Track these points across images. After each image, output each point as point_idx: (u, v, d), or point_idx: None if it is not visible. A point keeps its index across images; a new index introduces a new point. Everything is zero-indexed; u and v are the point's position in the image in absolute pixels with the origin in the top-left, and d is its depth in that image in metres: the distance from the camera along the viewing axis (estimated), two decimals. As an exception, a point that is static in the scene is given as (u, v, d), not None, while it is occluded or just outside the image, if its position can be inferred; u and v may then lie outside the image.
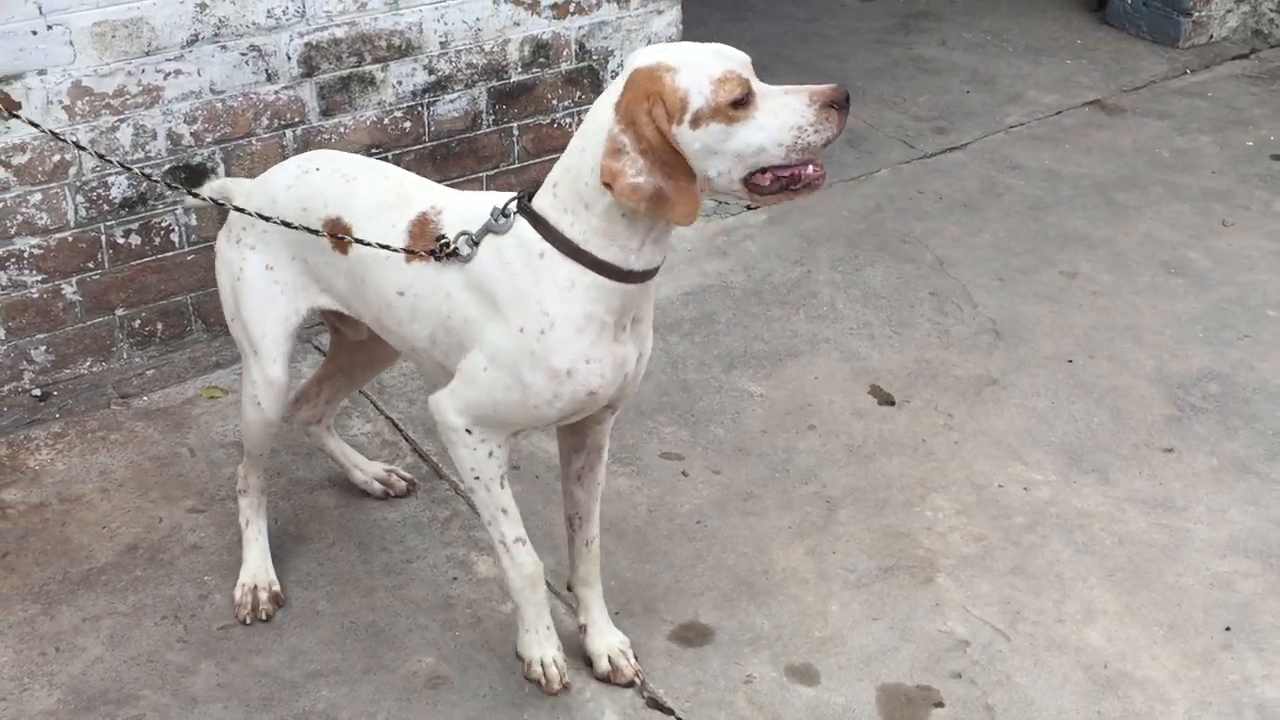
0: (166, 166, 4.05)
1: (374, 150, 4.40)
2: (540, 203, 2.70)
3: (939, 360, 4.33)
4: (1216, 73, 6.49)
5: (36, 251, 3.93)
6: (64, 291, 4.02)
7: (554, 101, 4.75)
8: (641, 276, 2.68)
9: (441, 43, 4.42)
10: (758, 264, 4.86)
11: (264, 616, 3.28)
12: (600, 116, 2.59)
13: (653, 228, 2.63)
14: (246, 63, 4.07)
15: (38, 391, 4.05)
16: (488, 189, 4.71)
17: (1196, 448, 3.94)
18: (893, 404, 4.12)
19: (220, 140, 4.11)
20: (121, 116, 3.92)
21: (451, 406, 2.83)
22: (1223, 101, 6.18)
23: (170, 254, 4.15)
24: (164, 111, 3.98)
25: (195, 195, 3.14)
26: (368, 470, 3.68)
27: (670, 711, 3.07)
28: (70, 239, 3.97)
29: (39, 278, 3.96)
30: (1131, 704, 3.10)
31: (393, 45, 4.33)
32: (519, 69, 4.62)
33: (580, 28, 4.71)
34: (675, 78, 2.52)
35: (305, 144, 4.25)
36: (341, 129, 4.32)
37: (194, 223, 4.15)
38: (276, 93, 4.16)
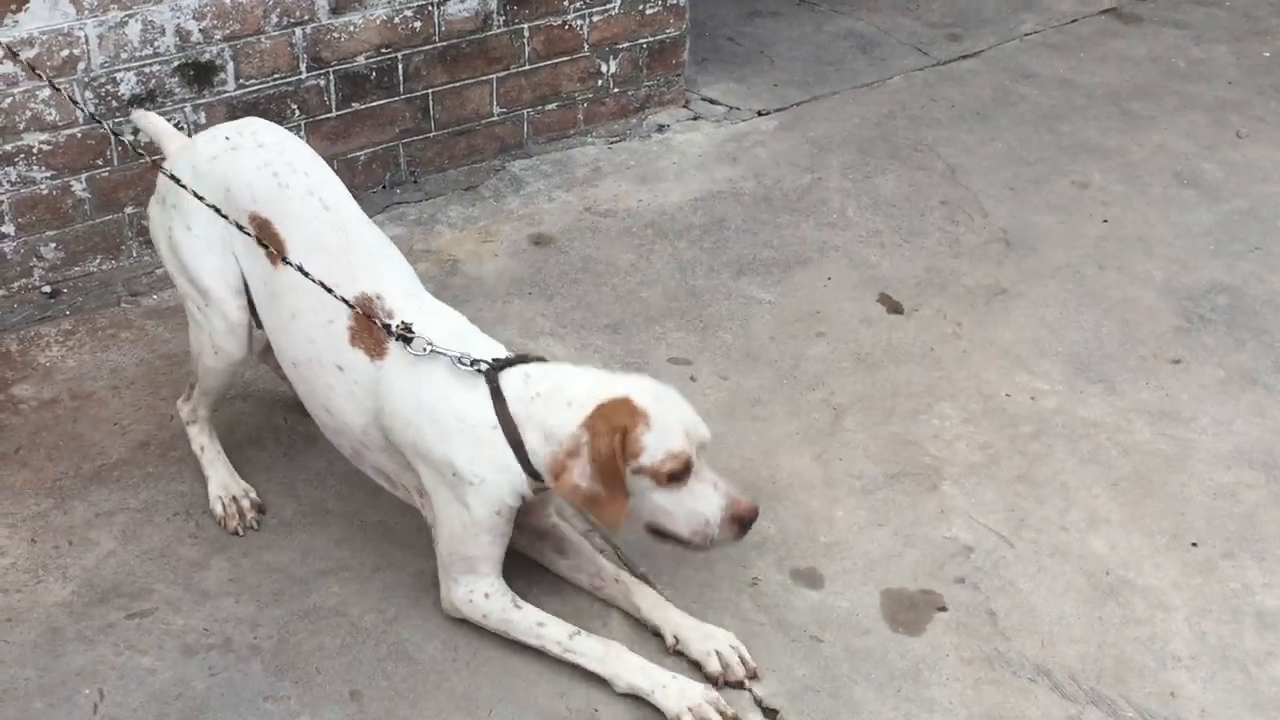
0: (175, 64, 4.02)
1: (384, 50, 4.37)
2: (514, 390, 2.87)
3: (948, 269, 4.32)
4: (1235, -18, 6.41)
5: (45, 147, 3.91)
6: (73, 188, 4.00)
7: (565, 3, 4.70)
8: None
9: (452, -59, 4.37)
10: (768, 170, 4.84)
11: (254, 525, 3.29)
12: (587, 407, 2.82)
13: None
14: (255, -42, 4.03)
15: (48, 288, 4.05)
16: (497, 91, 4.68)
17: (1204, 359, 3.95)
18: (901, 312, 4.12)
19: (229, 37, 4.07)
20: (130, 12, 3.89)
21: (444, 586, 3.03)
22: (1240, 11, 6.11)
23: (179, 152, 4.13)
24: (173, 7, 3.95)
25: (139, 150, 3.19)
26: None
27: (676, 612, 3.11)
28: (79, 135, 3.95)
29: (48, 174, 3.95)
30: (1132, 610, 3.13)
31: (403, -57, 4.28)
32: (530, -31, 4.58)
33: (593, -73, 4.65)
34: (645, 433, 2.77)
35: (315, 42, 4.22)
36: (351, 28, 4.28)
37: (203, 120, 4.13)
38: (286, -10, 4.12)
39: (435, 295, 3.18)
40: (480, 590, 2.97)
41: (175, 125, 4.08)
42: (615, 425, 2.78)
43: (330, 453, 3.50)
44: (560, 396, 2.85)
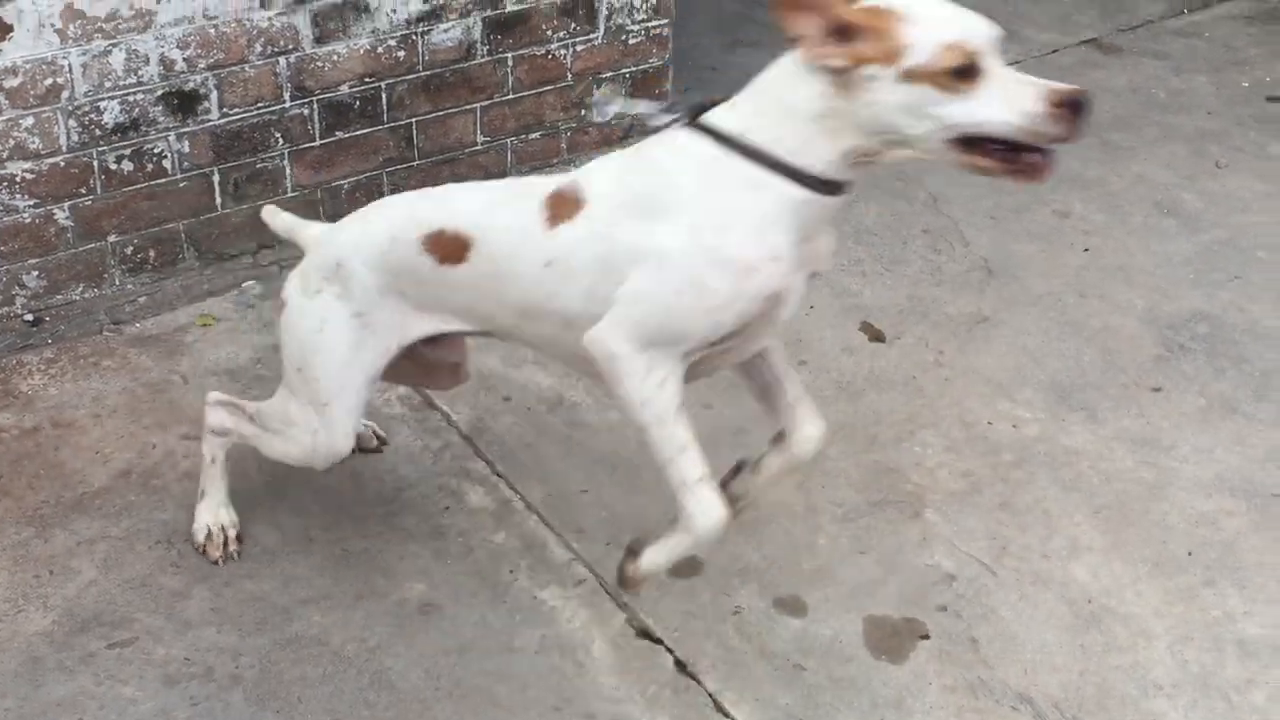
0: (159, 92, 4.02)
1: (368, 79, 4.38)
2: (722, 117, 2.58)
3: (930, 297, 4.34)
4: (1214, 13, 6.47)
5: (29, 176, 3.91)
6: (56, 217, 4.00)
7: (548, 33, 4.72)
8: (834, 188, 2.54)
9: (436, -29, 4.39)
10: (751, 199, 4.85)
11: (234, 555, 3.27)
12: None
13: (853, 147, 2.49)
14: (240, -12, 4.05)
15: (30, 316, 4.05)
16: (480, 121, 4.69)
17: (1184, 388, 3.97)
18: (883, 340, 4.14)
19: (213, 67, 4.08)
20: (114, 41, 3.89)
21: (614, 334, 2.62)
22: (1219, 41, 6.17)
23: (163, 181, 4.14)
24: (157, 36, 3.96)
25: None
26: None
27: (659, 641, 3.10)
28: (62, 164, 3.95)
29: (31, 202, 3.95)
30: (1114, 638, 3.14)
31: (387, -28, 4.30)
32: (514, -1, 4.60)
33: (576, -42, 4.68)
34: (904, 26, 2.38)
35: (299, 72, 4.23)
36: (335, 57, 4.30)
37: (186, 149, 4.13)
38: (270, 19, 4.13)
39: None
40: (659, 374, 2.62)
41: (158, 155, 4.09)
42: (863, 24, 2.40)
43: (314, 481, 3.49)
44: (775, 67, 2.52)
